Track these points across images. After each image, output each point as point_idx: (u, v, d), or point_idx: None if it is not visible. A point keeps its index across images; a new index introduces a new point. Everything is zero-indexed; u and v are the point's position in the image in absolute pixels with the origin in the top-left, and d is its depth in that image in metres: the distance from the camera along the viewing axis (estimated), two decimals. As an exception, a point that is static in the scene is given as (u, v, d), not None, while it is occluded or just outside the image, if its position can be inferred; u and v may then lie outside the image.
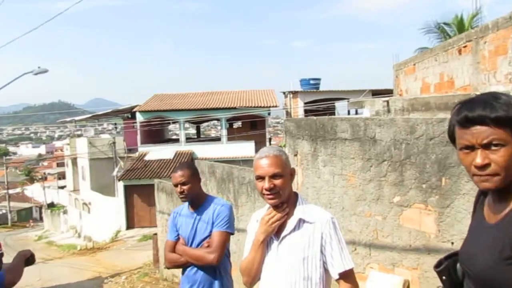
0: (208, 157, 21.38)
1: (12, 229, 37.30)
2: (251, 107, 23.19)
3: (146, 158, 22.15)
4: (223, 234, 2.83)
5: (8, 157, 66.72)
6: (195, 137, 33.69)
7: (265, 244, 2.03)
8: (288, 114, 23.29)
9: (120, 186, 20.78)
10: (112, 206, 20.98)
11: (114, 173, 21.80)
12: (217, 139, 26.88)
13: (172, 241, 2.95)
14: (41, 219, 40.29)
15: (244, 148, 23.02)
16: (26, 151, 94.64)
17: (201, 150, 23.32)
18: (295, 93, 23.26)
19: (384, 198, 3.57)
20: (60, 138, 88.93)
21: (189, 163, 3.07)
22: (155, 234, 10.52)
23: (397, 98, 5.83)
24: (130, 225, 20.39)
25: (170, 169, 20.51)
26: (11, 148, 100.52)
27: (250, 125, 26.09)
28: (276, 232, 2.01)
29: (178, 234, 2.96)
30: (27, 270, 2.79)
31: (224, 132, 24.36)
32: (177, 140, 26.66)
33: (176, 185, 2.88)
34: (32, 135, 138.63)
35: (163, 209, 9.21)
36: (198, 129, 36.13)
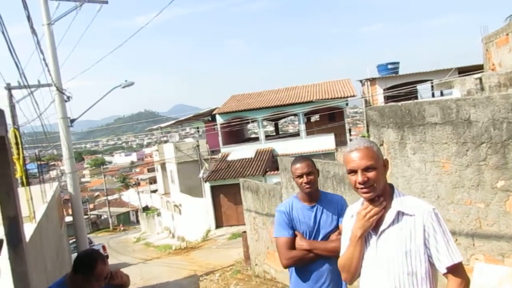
0: (288, 153, 21.47)
1: (113, 233, 40.56)
2: (328, 99, 22.81)
3: (229, 158, 22.79)
4: None
5: (105, 167, 72.50)
6: (274, 134, 33.96)
7: (363, 239, 1.97)
8: (367, 102, 22.55)
9: (207, 187, 21.62)
10: (201, 206, 21.90)
11: (200, 175, 22.72)
12: (296, 134, 26.85)
13: (288, 237, 2.86)
14: (137, 222, 43.30)
15: (324, 142, 22.74)
16: (120, 159, 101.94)
17: (281, 147, 23.45)
18: (373, 80, 22.44)
19: (485, 183, 3.30)
20: (148, 145, 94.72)
21: (306, 156, 3.06)
22: (244, 232, 10.77)
23: (490, 73, 5.35)
24: (218, 224, 21.14)
25: (252, 167, 20.91)
26: (107, 158, 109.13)
27: (328, 117, 25.71)
28: (374, 227, 1.95)
29: (293, 231, 2.88)
30: (129, 270, 3.00)
31: (302, 126, 24.25)
32: (256, 139, 27.09)
33: (300, 176, 2.85)
34: (123, 144, 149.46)
35: (250, 207, 9.39)
36: (276, 126, 36.36)
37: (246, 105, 25.29)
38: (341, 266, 2.08)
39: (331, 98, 22.83)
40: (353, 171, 1.92)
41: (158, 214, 32.75)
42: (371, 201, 1.93)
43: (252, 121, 26.52)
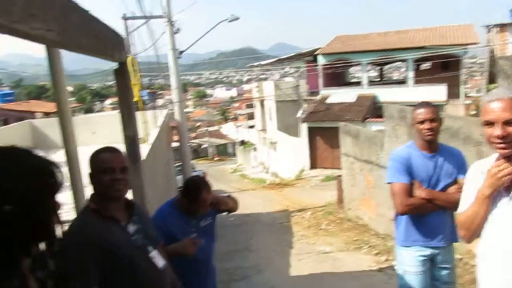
0: (392, 101, 20.37)
1: (211, 162, 43.22)
2: (444, 45, 20.82)
3: (328, 101, 22.39)
4: None
5: (206, 99, 75.99)
6: (378, 80, 32.35)
7: (491, 199, 1.81)
8: (492, 52, 20.15)
9: (304, 127, 21.69)
10: (297, 146, 22.18)
11: (298, 115, 22.77)
12: (402, 82, 25.28)
13: (406, 184, 2.75)
14: (234, 154, 45.51)
15: (434, 92, 21.06)
16: (220, 93, 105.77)
17: (384, 94, 22.29)
18: (502, 27, 19.76)
19: None
20: (248, 81, 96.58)
21: (429, 102, 2.89)
22: (339, 176, 10.74)
23: None
24: (313, 165, 21.31)
25: (352, 112, 20.37)
26: (208, 91, 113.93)
27: (441, 66, 23.58)
28: (506, 187, 1.77)
29: (410, 178, 2.77)
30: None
31: (411, 74, 22.68)
32: (358, 83, 26.05)
33: (422, 122, 2.72)
34: (224, 79, 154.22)
35: (348, 152, 9.25)
36: (381, 71, 34.50)
37: (351, 47, 24.17)
38: (461, 223, 1.95)
39: (447, 45, 20.80)
40: (490, 123, 1.73)
41: (254, 149, 33.97)
42: (507, 158, 1.74)
43: (356, 65, 25.43)
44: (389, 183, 2.83)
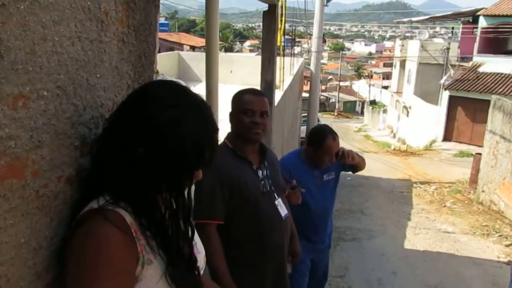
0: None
1: (336, 117, 42.55)
2: None
3: (480, 69, 19.92)
4: None
5: (343, 52, 73.62)
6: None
7: None
8: None
9: (445, 95, 19.82)
10: (432, 114, 20.50)
11: (442, 81, 20.80)
12: None
13: None
14: (361, 113, 44.03)
15: None
16: (359, 48, 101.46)
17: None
18: None
19: None
20: (391, 38, 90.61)
21: None
22: (478, 153, 9.74)
23: None
24: (447, 137, 19.57)
25: (508, 86, 17.91)
26: (347, 44, 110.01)
27: None
28: None
29: None
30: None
31: None
32: (522, 53, 22.58)
33: None
34: (366, 33, 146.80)
35: (495, 130, 8.26)
36: (554, 42, 29.26)
37: (524, 9, 20.77)
38: None
39: None
40: None
41: (384, 111, 32.40)
42: None
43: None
44: None
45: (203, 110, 0.99)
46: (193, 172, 1.00)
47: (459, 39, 24.10)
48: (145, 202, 0.95)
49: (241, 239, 1.95)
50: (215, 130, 1.02)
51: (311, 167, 2.81)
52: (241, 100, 1.99)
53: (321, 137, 2.70)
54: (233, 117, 2.02)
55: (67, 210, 0.94)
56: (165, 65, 10.79)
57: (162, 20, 30.09)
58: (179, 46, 21.48)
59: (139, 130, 0.92)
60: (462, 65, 21.58)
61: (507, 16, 20.60)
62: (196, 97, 1.01)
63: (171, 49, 19.55)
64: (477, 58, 21.07)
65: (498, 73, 19.16)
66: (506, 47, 25.18)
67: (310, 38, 13.39)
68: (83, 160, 0.99)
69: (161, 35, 22.43)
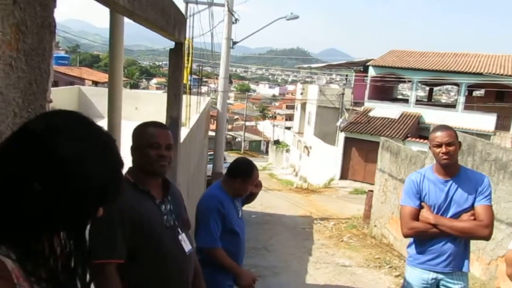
0: (437, 124, 19.77)
1: (243, 156, 43.36)
2: (502, 75, 19.98)
3: (371, 114, 21.98)
4: (491, 209, 2.63)
5: (249, 93, 76.27)
6: (425, 100, 31.45)
7: None
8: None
9: (341, 136, 21.40)
10: (331, 154, 21.91)
11: (338, 123, 22.48)
12: (451, 105, 24.43)
13: (415, 208, 2.75)
14: (266, 152, 45.51)
15: (482, 121, 20.35)
16: (263, 90, 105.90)
17: (431, 115, 21.64)
18: None
19: None
20: (293, 82, 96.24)
21: (448, 126, 2.81)
22: (370, 190, 10.52)
23: None
24: (343, 175, 21.01)
25: (393, 129, 19.91)
26: (252, 86, 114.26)
27: (495, 95, 22.64)
28: None
29: (420, 202, 2.76)
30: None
31: (462, 99, 21.90)
32: (405, 101, 25.42)
33: (439, 145, 2.65)
34: (270, 76, 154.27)
35: (384, 168, 9.04)
36: (430, 92, 33.46)
37: (405, 63, 23.58)
38: (510, 260, 1.85)
39: (506, 75, 19.94)
40: None
41: (287, 150, 33.86)
42: None
43: (406, 81, 24.78)
44: (401, 205, 2.86)
45: (109, 144, 0.92)
46: (97, 209, 0.93)
47: (352, 85, 26.44)
48: (29, 246, 0.85)
49: (143, 278, 1.86)
50: (121, 165, 0.95)
51: (231, 199, 2.89)
52: (145, 133, 1.94)
53: (250, 168, 2.87)
54: (137, 150, 1.95)
55: None
56: (63, 99, 10.21)
57: (62, 53, 28.61)
58: (81, 80, 20.51)
59: (36, 163, 0.82)
60: (356, 109, 23.62)
61: (392, 67, 23.20)
62: (101, 129, 0.93)
63: (71, 83, 18.55)
64: (368, 104, 23.26)
65: (385, 118, 21.29)
66: (391, 95, 28.21)
67: (217, 78, 13.67)
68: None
69: (60, 68, 21.27)
